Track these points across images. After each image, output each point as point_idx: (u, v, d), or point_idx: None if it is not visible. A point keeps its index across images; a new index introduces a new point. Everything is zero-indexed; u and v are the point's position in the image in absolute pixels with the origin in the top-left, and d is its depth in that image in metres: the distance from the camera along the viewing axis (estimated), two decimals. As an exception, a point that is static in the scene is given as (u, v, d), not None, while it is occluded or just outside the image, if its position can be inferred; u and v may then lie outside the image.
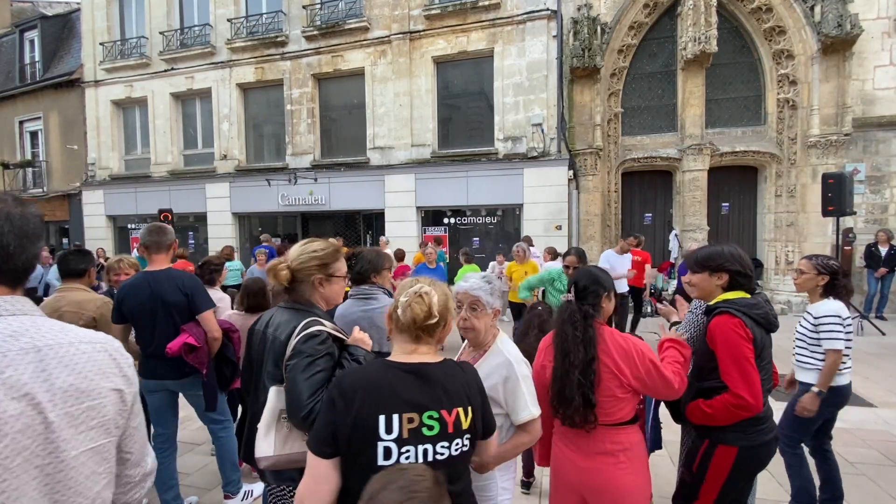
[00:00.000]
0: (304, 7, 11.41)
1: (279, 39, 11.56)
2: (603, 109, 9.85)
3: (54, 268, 6.91)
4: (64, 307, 2.86)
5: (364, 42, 11.03)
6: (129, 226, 13.82)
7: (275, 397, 1.60)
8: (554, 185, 9.80)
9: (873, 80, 8.97)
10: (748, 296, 2.00)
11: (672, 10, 9.79)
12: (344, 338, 1.70)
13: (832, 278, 2.74)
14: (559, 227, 9.80)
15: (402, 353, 1.32)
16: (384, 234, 10.55)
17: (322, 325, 1.64)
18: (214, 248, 12.21)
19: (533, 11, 9.82)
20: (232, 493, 3.11)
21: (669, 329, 2.20)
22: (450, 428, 1.21)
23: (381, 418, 1.18)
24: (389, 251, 9.62)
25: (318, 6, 11.42)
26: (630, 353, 1.80)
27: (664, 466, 3.31)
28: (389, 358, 1.32)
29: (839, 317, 2.66)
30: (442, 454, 1.20)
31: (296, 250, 1.75)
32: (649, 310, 8.30)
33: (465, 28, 10.32)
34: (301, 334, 1.59)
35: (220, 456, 3.10)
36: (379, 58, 10.99)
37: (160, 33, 12.72)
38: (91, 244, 12.86)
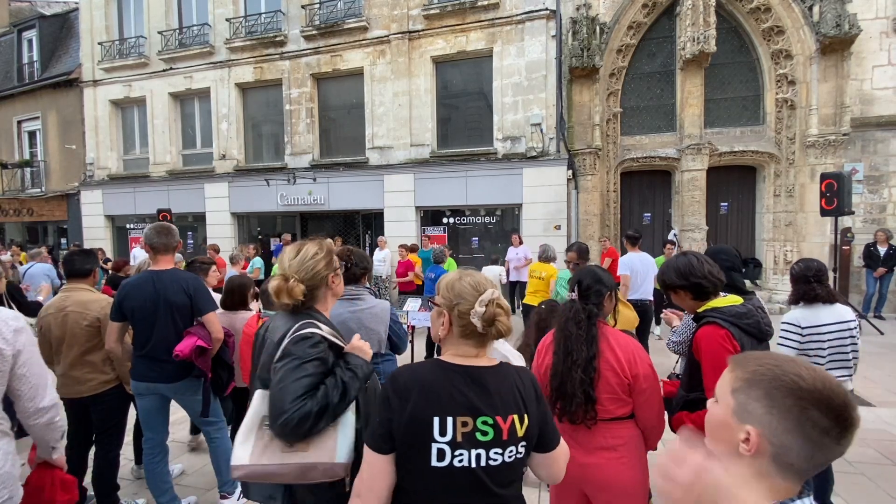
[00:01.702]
0: (302, 7, 11.40)
1: (278, 39, 11.55)
2: (602, 109, 9.85)
3: (40, 265, 6.84)
4: (69, 307, 2.88)
5: (363, 42, 11.03)
6: (127, 226, 13.80)
7: (259, 401, 1.50)
8: (553, 185, 9.81)
9: (872, 79, 8.98)
10: (739, 301, 1.90)
11: (671, 10, 9.79)
12: (342, 344, 1.62)
13: (793, 284, 2.77)
14: (558, 227, 9.81)
15: (460, 356, 1.27)
16: (383, 234, 10.56)
17: (318, 328, 1.56)
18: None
19: (532, 11, 9.82)
20: (228, 492, 3.10)
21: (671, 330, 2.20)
22: (504, 435, 1.19)
23: (436, 420, 1.17)
24: (389, 250, 9.67)
25: (317, 6, 11.41)
26: (632, 351, 1.81)
27: (663, 466, 3.31)
28: (443, 358, 1.29)
29: (791, 324, 2.71)
30: (495, 460, 1.18)
31: (296, 263, 1.63)
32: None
33: (464, 28, 10.32)
34: (292, 335, 1.52)
35: (216, 456, 3.08)
36: (378, 57, 10.99)
37: (159, 33, 12.70)
38: (89, 244, 12.86)
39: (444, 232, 10.93)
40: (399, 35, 10.69)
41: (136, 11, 13.30)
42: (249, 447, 1.43)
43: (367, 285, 2.61)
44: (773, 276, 9.60)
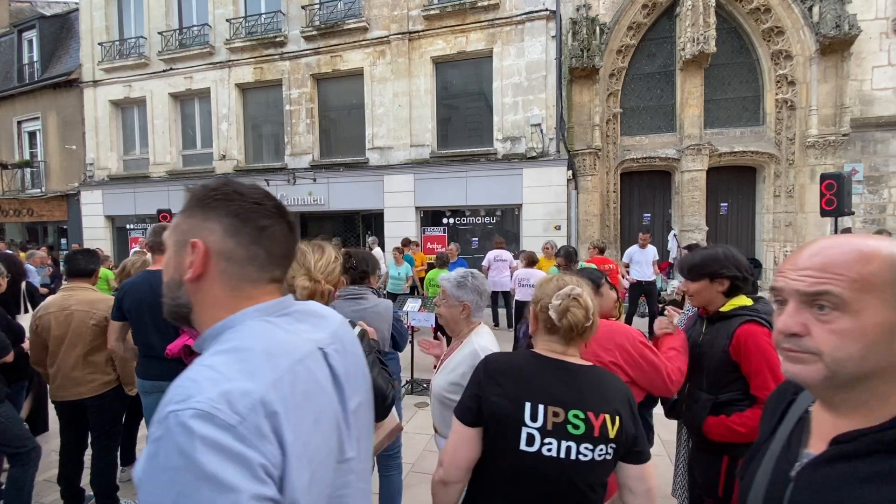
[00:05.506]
0: (302, 7, 11.40)
1: (278, 39, 11.55)
2: (602, 110, 9.86)
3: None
4: (73, 305, 2.85)
5: (363, 42, 11.03)
6: (127, 226, 13.79)
7: None
8: (553, 186, 9.81)
9: (871, 80, 8.99)
10: (749, 302, 1.90)
11: (671, 11, 9.80)
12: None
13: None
14: (558, 228, 9.81)
15: (550, 351, 1.31)
16: (381, 235, 10.56)
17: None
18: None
19: (532, 12, 9.82)
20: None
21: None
22: (595, 431, 1.19)
23: (528, 405, 1.20)
24: (378, 250, 9.65)
25: (317, 6, 11.41)
26: (618, 338, 1.83)
27: (662, 466, 3.31)
28: (536, 350, 1.33)
29: None
30: (585, 455, 1.18)
31: (322, 265, 1.65)
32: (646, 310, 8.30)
33: (464, 28, 10.32)
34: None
35: None
36: (378, 58, 10.99)
37: (159, 33, 12.70)
38: (89, 244, 12.84)
39: (444, 232, 10.93)
40: (399, 35, 10.69)
41: (136, 12, 13.30)
42: None
43: (373, 286, 2.62)
44: (773, 277, 9.60)
